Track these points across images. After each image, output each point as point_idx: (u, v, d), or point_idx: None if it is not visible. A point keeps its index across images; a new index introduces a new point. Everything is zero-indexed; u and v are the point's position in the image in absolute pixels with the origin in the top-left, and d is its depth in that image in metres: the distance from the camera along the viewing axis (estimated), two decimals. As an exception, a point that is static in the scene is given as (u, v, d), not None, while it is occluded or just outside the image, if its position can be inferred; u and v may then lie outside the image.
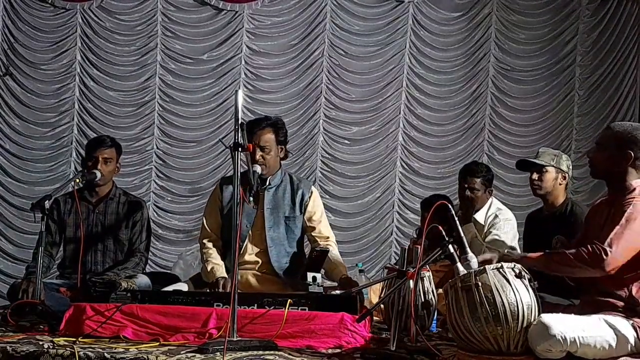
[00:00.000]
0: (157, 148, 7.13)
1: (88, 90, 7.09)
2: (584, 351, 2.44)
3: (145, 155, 7.11)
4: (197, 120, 7.18)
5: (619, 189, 2.77)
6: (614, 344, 2.49)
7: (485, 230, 4.28)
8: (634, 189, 2.73)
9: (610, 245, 2.59)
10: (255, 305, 2.96)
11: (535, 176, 3.94)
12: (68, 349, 2.63)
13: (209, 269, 3.62)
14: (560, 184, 3.92)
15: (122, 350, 2.63)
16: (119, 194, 4.07)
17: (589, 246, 2.62)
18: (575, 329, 2.43)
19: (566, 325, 2.42)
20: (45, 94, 7.10)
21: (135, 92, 7.15)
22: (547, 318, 2.44)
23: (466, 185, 4.35)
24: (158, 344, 2.78)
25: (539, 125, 7.26)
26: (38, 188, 6.85)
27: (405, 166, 7.22)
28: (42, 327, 3.10)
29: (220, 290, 3.42)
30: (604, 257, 2.57)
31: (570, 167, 3.99)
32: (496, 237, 4.21)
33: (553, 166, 3.90)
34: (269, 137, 3.68)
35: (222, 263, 3.65)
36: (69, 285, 3.75)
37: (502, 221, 4.29)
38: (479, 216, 4.34)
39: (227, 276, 3.52)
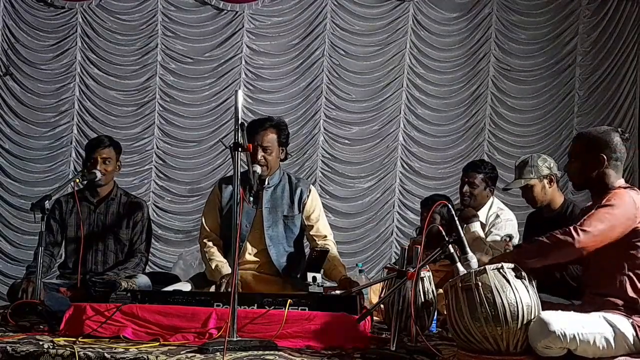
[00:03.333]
0: (157, 148, 7.13)
1: (88, 90, 7.10)
2: (583, 348, 2.44)
3: (145, 155, 7.11)
4: (197, 120, 7.19)
5: (602, 192, 2.77)
6: (612, 342, 2.49)
7: (486, 230, 4.27)
8: (618, 187, 2.75)
9: (582, 225, 2.61)
10: (255, 305, 2.95)
11: (525, 195, 3.95)
12: (68, 349, 2.62)
13: (213, 267, 3.61)
14: (550, 187, 3.88)
15: (122, 350, 2.63)
16: (120, 194, 4.08)
17: (563, 228, 2.64)
18: (575, 326, 2.43)
19: (566, 322, 2.43)
20: (45, 94, 7.11)
21: (136, 92, 7.15)
22: (547, 315, 2.45)
23: (466, 180, 4.34)
24: (158, 344, 2.77)
25: (539, 125, 7.26)
26: (37, 188, 6.86)
27: (406, 166, 7.22)
28: (42, 327, 3.09)
29: (229, 288, 3.40)
30: (575, 234, 2.58)
31: (552, 164, 3.92)
32: (497, 237, 4.20)
33: (534, 178, 3.86)
34: (271, 138, 3.68)
35: (225, 260, 3.64)
36: (69, 285, 3.75)
37: (503, 221, 4.28)
38: (480, 215, 4.32)
39: None
